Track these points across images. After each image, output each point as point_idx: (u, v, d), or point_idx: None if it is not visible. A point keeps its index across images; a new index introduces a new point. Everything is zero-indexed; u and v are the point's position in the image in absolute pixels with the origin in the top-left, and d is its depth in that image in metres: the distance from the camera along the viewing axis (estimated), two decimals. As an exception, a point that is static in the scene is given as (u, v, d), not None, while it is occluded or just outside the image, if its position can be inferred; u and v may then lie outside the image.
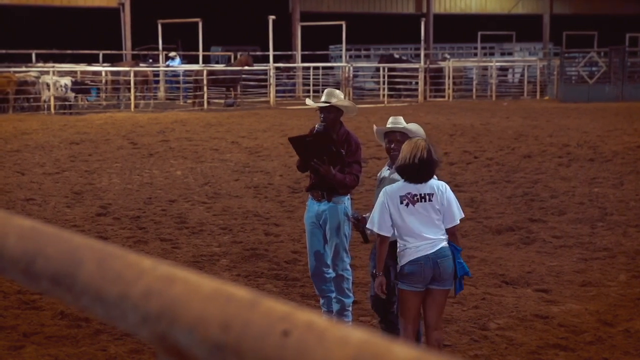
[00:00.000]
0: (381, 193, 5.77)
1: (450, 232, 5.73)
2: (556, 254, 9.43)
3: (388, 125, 6.26)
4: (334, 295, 7.06)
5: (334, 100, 6.90)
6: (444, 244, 5.68)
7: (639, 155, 17.07)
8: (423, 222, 5.67)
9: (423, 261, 5.62)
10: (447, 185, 5.81)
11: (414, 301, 5.69)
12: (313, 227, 7.00)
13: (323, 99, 6.96)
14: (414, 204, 5.65)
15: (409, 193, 5.67)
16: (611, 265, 8.89)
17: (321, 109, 6.90)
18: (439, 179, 5.86)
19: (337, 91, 7.11)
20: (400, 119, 6.29)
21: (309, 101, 7.45)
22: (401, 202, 5.66)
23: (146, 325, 1.16)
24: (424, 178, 5.67)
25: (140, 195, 13.08)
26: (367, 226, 5.89)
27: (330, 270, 7.06)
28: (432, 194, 5.67)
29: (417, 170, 5.62)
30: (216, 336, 1.07)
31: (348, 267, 7.08)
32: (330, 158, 6.69)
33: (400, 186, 5.71)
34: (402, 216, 5.66)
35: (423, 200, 5.66)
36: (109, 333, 6.60)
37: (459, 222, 5.74)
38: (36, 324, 6.93)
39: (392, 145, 6.14)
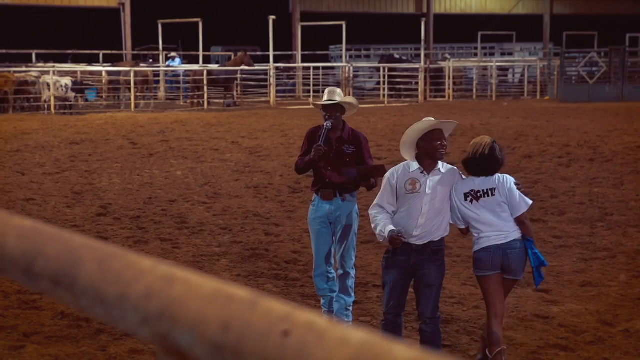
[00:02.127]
0: (451, 192, 5.95)
1: (519, 222, 5.91)
2: (556, 254, 9.42)
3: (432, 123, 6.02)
4: (335, 294, 7.06)
5: (337, 99, 6.94)
6: (517, 235, 5.88)
7: (639, 155, 17.07)
8: (491, 214, 5.88)
9: (493, 250, 5.85)
10: (509, 178, 5.94)
11: (488, 285, 5.89)
12: (322, 226, 6.98)
13: (326, 97, 6.98)
14: (477, 200, 5.86)
15: (472, 190, 5.87)
16: (611, 266, 8.89)
17: (326, 107, 6.92)
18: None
19: (338, 89, 7.17)
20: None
21: (314, 101, 7.46)
22: (465, 199, 5.89)
23: (146, 325, 1.16)
24: (484, 172, 5.87)
25: (140, 195, 13.08)
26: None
27: (333, 270, 7.06)
28: (494, 188, 5.85)
29: (477, 164, 5.85)
30: (216, 336, 1.07)
31: (354, 265, 7.09)
32: (372, 173, 6.78)
33: (464, 183, 5.91)
34: (471, 210, 5.90)
35: (486, 195, 5.86)
36: (109, 333, 6.60)
37: (525, 210, 5.90)
38: (36, 324, 6.94)
39: (444, 142, 5.94)
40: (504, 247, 5.84)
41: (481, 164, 5.85)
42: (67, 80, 27.37)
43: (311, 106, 7.36)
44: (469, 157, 5.89)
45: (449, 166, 6.07)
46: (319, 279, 7.08)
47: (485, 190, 5.86)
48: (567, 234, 10.40)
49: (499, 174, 5.91)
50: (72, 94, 27.49)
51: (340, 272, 7.02)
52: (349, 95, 32.19)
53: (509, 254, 5.84)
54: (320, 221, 6.97)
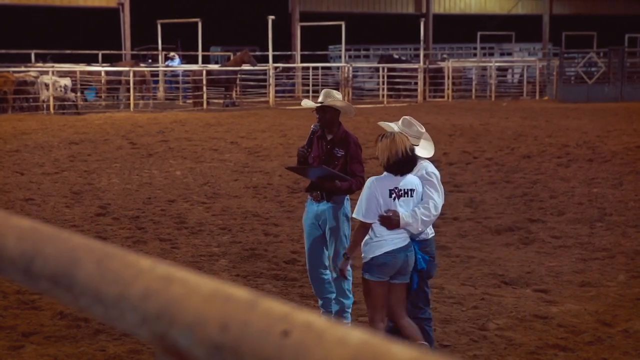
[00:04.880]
0: (369, 183, 5.84)
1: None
2: (555, 254, 9.43)
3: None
4: (333, 296, 7.04)
5: (328, 101, 6.88)
6: (409, 239, 5.85)
7: (638, 155, 17.07)
8: None
9: (397, 253, 5.78)
10: (419, 180, 5.88)
11: (381, 290, 5.82)
12: (312, 228, 6.98)
13: (320, 99, 6.96)
14: (398, 198, 5.79)
15: (396, 188, 5.79)
16: (610, 266, 8.89)
17: (317, 109, 6.90)
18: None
19: (335, 92, 7.09)
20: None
21: (304, 102, 7.50)
22: (390, 195, 5.78)
23: (145, 325, 1.16)
24: (407, 172, 5.81)
25: (139, 195, 13.08)
26: (353, 215, 5.90)
27: (328, 272, 7.04)
28: (414, 189, 5.82)
29: (403, 165, 5.75)
30: (215, 336, 1.07)
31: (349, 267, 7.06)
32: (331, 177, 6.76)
33: (388, 179, 5.81)
34: (387, 208, 5.77)
35: (405, 195, 5.80)
36: (108, 333, 6.60)
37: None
38: (35, 324, 6.93)
39: None
40: (405, 250, 5.81)
41: (407, 164, 5.79)
42: (66, 81, 27.34)
43: (305, 106, 7.37)
44: (396, 159, 5.72)
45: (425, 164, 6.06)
46: (312, 280, 7.08)
47: (406, 190, 5.80)
48: (566, 234, 10.40)
49: (415, 177, 5.85)
50: (71, 94, 27.47)
51: (334, 275, 7.00)
52: (349, 95, 32.21)
53: (408, 257, 5.81)
54: (310, 223, 6.97)
